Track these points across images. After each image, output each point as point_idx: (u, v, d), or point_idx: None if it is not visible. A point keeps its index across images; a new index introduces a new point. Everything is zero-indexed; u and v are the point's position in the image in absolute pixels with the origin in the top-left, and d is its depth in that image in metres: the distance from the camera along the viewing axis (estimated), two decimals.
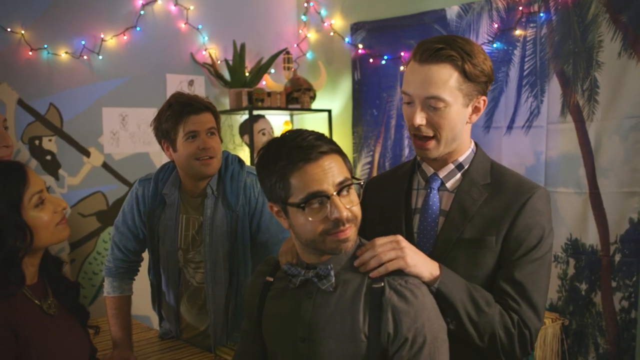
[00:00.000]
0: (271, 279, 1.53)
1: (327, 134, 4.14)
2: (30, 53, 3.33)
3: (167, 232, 2.37)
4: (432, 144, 1.55)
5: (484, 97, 1.56)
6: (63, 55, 3.44)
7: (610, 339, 2.95)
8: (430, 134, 1.54)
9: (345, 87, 4.30)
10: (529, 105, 3.20)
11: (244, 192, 2.32)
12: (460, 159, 1.60)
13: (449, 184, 1.61)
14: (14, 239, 1.47)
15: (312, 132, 1.38)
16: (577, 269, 3.05)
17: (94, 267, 3.62)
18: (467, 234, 1.54)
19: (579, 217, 3.03)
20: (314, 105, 4.24)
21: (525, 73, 3.21)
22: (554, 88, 3.10)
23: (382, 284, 1.37)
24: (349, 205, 1.35)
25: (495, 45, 3.32)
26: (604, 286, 2.96)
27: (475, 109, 1.56)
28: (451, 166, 1.61)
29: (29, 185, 1.52)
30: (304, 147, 1.33)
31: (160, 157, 3.82)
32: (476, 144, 1.66)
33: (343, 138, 4.19)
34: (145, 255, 2.53)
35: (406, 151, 3.84)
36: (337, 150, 1.39)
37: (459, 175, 1.60)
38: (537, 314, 1.50)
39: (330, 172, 1.34)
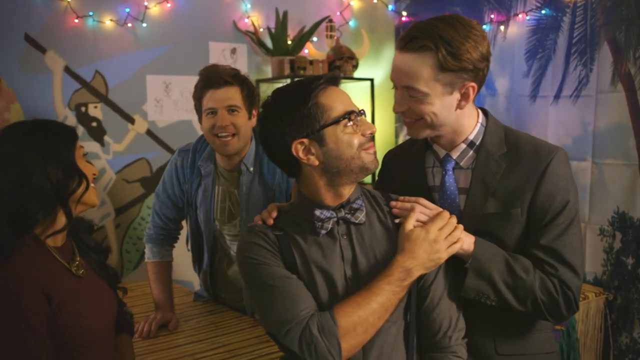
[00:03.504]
0: (280, 233, 1.51)
1: (368, 103, 4.14)
2: (76, 21, 3.37)
3: (204, 202, 2.41)
4: (418, 125, 1.55)
5: (472, 84, 1.49)
6: (108, 22, 3.48)
7: None
8: (413, 118, 1.53)
9: (388, 56, 4.25)
10: (578, 74, 3.12)
11: (280, 171, 2.33)
12: (471, 137, 1.58)
13: (463, 163, 1.59)
14: (72, 180, 1.54)
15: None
16: (623, 243, 2.98)
17: (139, 232, 3.70)
18: (492, 209, 1.54)
19: (628, 189, 2.96)
20: (356, 74, 4.20)
21: (574, 40, 3.13)
22: (604, 56, 3.01)
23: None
24: None
25: (543, 12, 3.24)
26: None
27: (464, 95, 1.51)
28: (463, 146, 1.59)
29: (77, 138, 1.61)
30: (324, 75, 1.47)
31: None
32: (486, 114, 1.62)
33: (385, 107, 4.15)
34: (185, 223, 2.58)
35: None
36: None
37: (471, 152, 1.58)
38: (575, 272, 1.51)
39: (348, 96, 1.49)
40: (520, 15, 3.34)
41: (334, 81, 1.48)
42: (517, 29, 3.40)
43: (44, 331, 1.43)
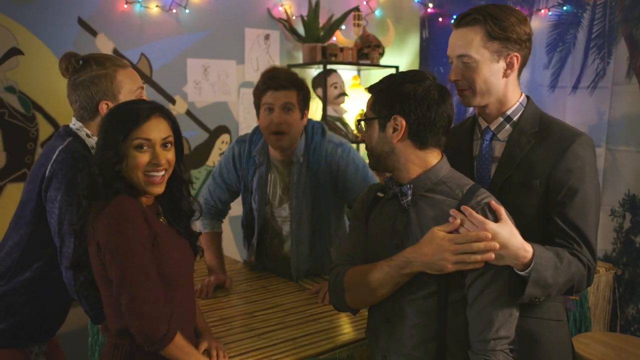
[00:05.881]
0: (381, 195, 1.77)
1: None
2: (125, 6, 3.56)
3: (258, 188, 2.65)
4: (468, 92, 1.79)
5: (516, 54, 1.73)
6: (154, 8, 3.67)
7: None
8: (466, 86, 1.78)
9: (412, 45, 4.45)
10: (595, 67, 3.33)
11: (325, 160, 2.56)
12: (509, 112, 1.80)
13: (500, 135, 1.81)
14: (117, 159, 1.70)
15: None
16: (632, 223, 3.21)
17: None
18: (515, 179, 1.74)
19: (638, 174, 3.18)
20: (381, 62, 4.42)
21: (593, 35, 3.33)
22: (621, 51, 3.22)
23: None
24: None
25: (565, 8, 3.44)
26: None
27: (510, 65, 1.74)
28: (500, 119, 1.81)
29: (133, 128, 1.71)
30: None
31: (237, 107, 4.07)
32: (528, 98, 1.84)
33: None
34: (234, 204, 2.86)
35: (470, 108, 4.01)
36: None
37: (508, 126, 1.80)
38: (593, 253, 1.67)
39: None
40: (542, 11, 3.55)
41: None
42: (539, 23, 3.60)
43: (149, 245, 1.63)
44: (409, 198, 1.65)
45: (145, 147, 1.69)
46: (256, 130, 2.70)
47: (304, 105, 2.53)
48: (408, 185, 1.66)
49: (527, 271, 1.54)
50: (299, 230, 2.62)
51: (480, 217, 1.53)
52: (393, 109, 1.62)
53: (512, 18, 1.71)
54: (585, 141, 1.70)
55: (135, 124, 1.67)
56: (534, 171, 1.71)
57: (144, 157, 1.68)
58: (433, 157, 1.68)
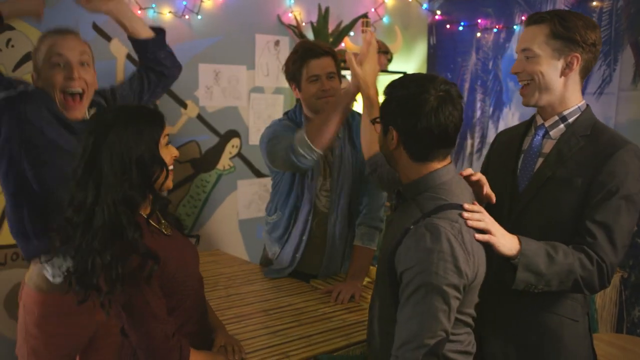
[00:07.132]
0: None
1: None
2: (139, 12, 3.61)
3: None
4: (528, 89, 1.86)
5: (577, 54, 1.78)
6: (167, 14, 3.72)
7: None
8: (526, 79, 1.86)
9: (420, 51, 4.51)
10: (602, 73, 3.39)
11: None
12: (565, 113, 1.85)
13: (552, 133, 1.87)
14: (157, 170, 1.71)
15: None
16: (638, 227, 3.22)
17: (187, 210, 3.96)
18: (559, 175, 1.80)
19: None
20: (389, 67, 4.47)
21: None
22: (627, 57, 3.28)
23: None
24: None
25: None
26: None
27: (569, 64, 1.80)
28: (556, 117, 1.87)
29: (164, 126, 1.77)
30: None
31: (247, 112, 4.12)
32: (587, 106, 1.89)
33: None
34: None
35: (478, 113, 4.07)
36: None
37: (562, 125, 1.86)
38: (614, 250, 1.70)
39: None
40: None
41: None
42: None
43: (156, 286, 1.65)
44: (394, 202, 1.75)
45: (168, 145, 1.82)
46: (290, 114, 2.79)
47: (340, 72, 2.69)
48: (396, 190, 1.74)
49: (517, 259, 1.65)
50: (338, 202, 2.70)
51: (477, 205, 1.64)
52: (389, 121, 1.67)
53: (579, 22, 1.79)
54: (632, 149, 1.75)
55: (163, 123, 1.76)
56: (579, 171, 1.77)
57: (168, 153, 1.81)
58: (427, 168, 1.65)
